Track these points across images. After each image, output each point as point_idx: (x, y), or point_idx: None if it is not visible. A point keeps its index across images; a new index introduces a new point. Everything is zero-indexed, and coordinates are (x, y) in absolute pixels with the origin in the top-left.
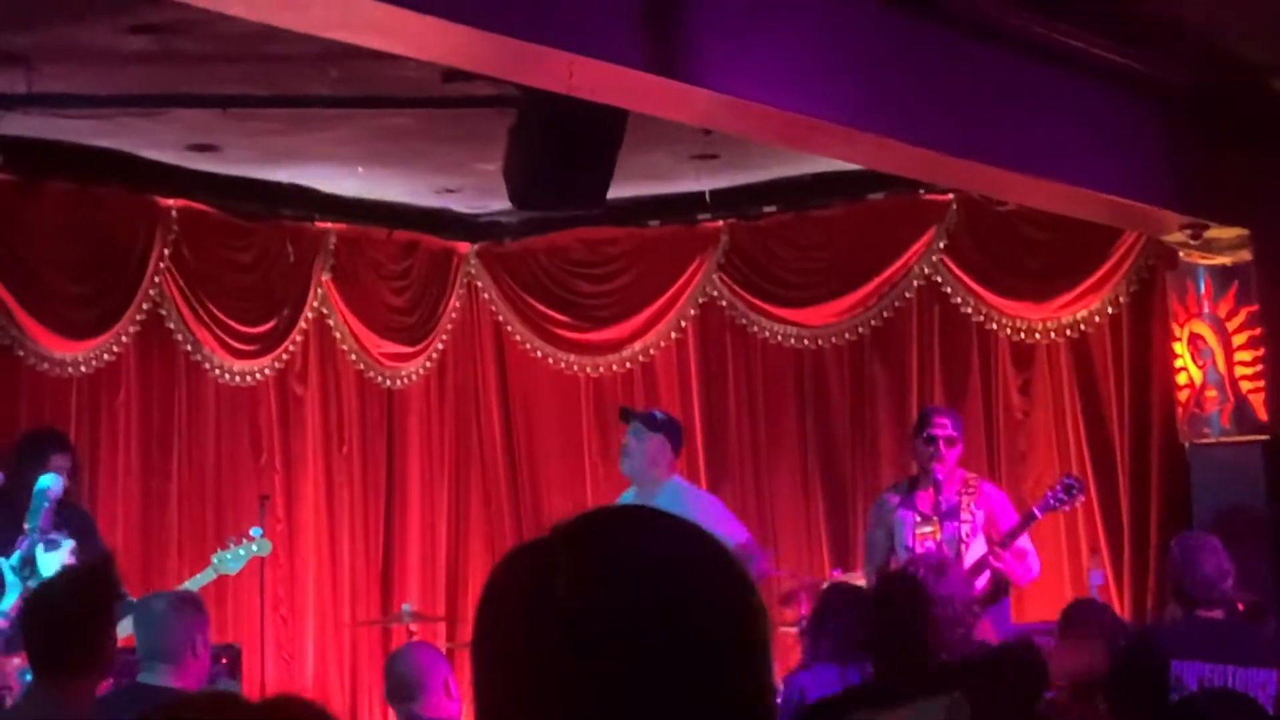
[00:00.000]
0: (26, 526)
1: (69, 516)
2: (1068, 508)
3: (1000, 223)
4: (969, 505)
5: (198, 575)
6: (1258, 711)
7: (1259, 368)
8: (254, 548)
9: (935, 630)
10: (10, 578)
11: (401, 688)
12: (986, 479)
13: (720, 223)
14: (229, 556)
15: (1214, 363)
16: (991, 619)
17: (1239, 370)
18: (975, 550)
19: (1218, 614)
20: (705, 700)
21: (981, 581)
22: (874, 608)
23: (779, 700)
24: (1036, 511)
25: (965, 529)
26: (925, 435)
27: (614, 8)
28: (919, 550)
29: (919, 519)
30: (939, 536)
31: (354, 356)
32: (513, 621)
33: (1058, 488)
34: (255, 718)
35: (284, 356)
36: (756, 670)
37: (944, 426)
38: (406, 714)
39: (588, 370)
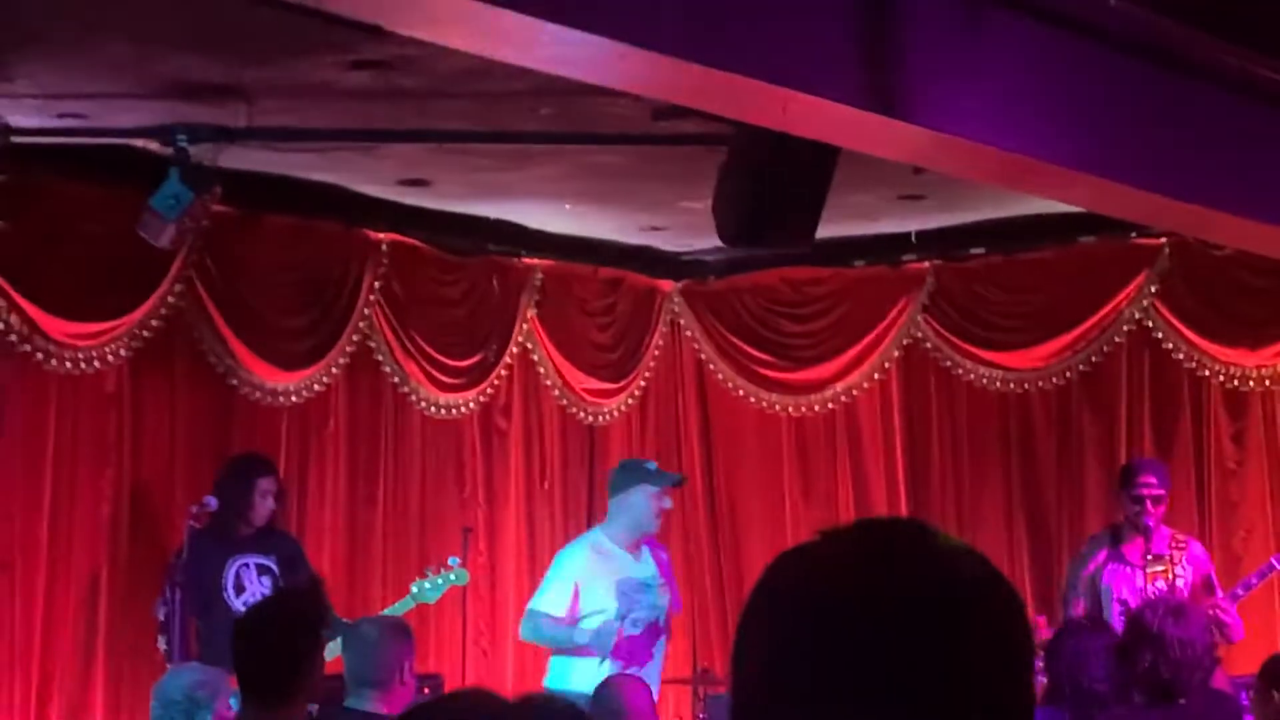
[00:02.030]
0: None
1: (277, 542)
2: None
3: (1215, 267)
4: (1181, 560)
5: (396, 604)
6: None
7: None
8: (452, 577)
9: (1177, 674)
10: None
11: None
12: (1195, 537)
13: (926, 264)
14: (428, 585)
15: None
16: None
17: None
18: None
19: None
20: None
21: None
22: (1118, 655)
23: None
24: (1276, 562)
25: (1179, 582)
26: (1133, 494)
27: (830, 43)
28: (1135, 601)
29: (1128, 569)
30: (1166, 577)
31: (557, 392)
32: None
33: None
34: (510, 713)
35: (489, 390)
36: (1027, 685)
37: (1151, 486)
38: None
39: (790, 410)
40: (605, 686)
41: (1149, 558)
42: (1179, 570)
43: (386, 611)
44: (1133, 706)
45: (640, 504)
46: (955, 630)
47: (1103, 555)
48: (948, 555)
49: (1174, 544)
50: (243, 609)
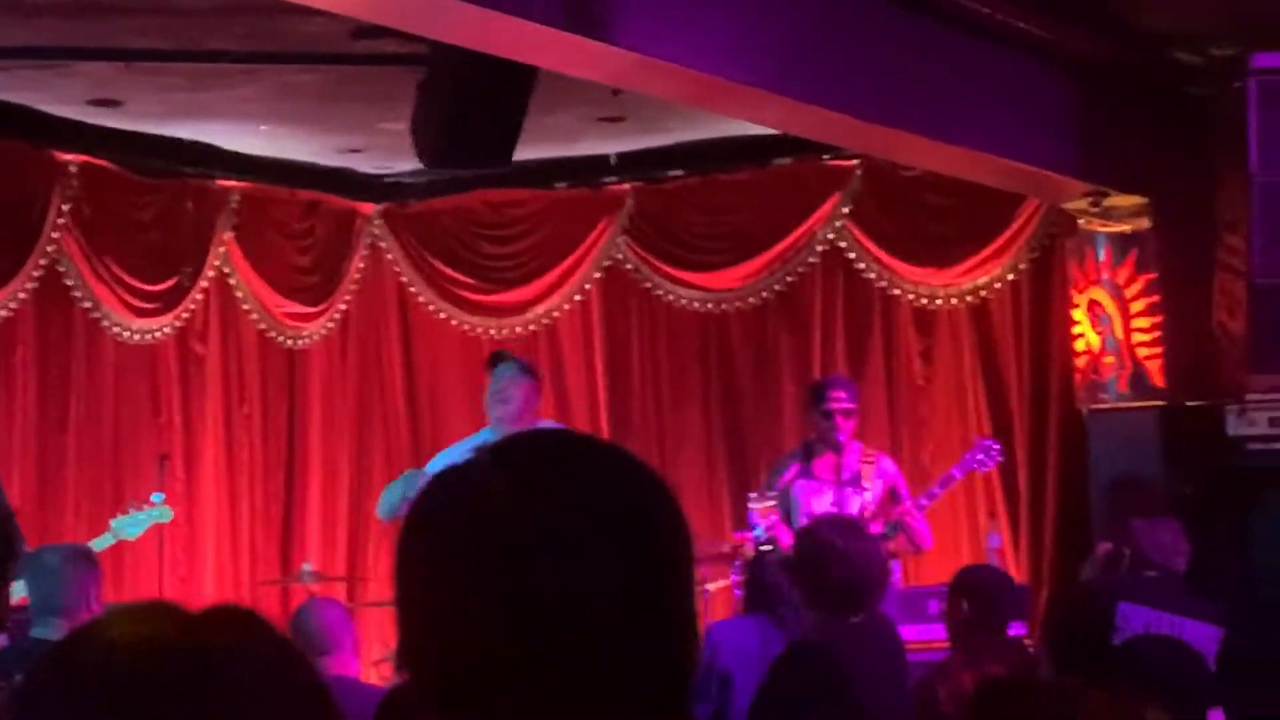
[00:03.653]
0: None
1: None
2: (985, 469)
3: (904, 189)
4: (870, 474)
5: (95, 540)
6: (1200, 664)
7: (1156, 334)
8: (155, 513)
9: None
10: None
11: (310, 644)
12: (885, 452)
13: (626, 186)
14: (129, 522)
15: (1112, 329)
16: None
17: (1136, 337)
18: (874, 519)
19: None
20: (635, 612)
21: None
22: (791, 568)
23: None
24: (956, 472)
25: (867, 496)
26: (822, 409)
27: None
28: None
29: (817, 484)
30: (840, 503)
31: (256, 316)
32: (443, 539)
33: (976, 449)
34: (197, 625)
35: (184, 315)
36: (683, 584)
37: (840, 400)
38: None
39: (491, 332)
40: (301, 610)
41: (840, 473)
42: (867, 484)
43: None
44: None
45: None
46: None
47: (794, 469)
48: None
49: (864, 458)
50: None
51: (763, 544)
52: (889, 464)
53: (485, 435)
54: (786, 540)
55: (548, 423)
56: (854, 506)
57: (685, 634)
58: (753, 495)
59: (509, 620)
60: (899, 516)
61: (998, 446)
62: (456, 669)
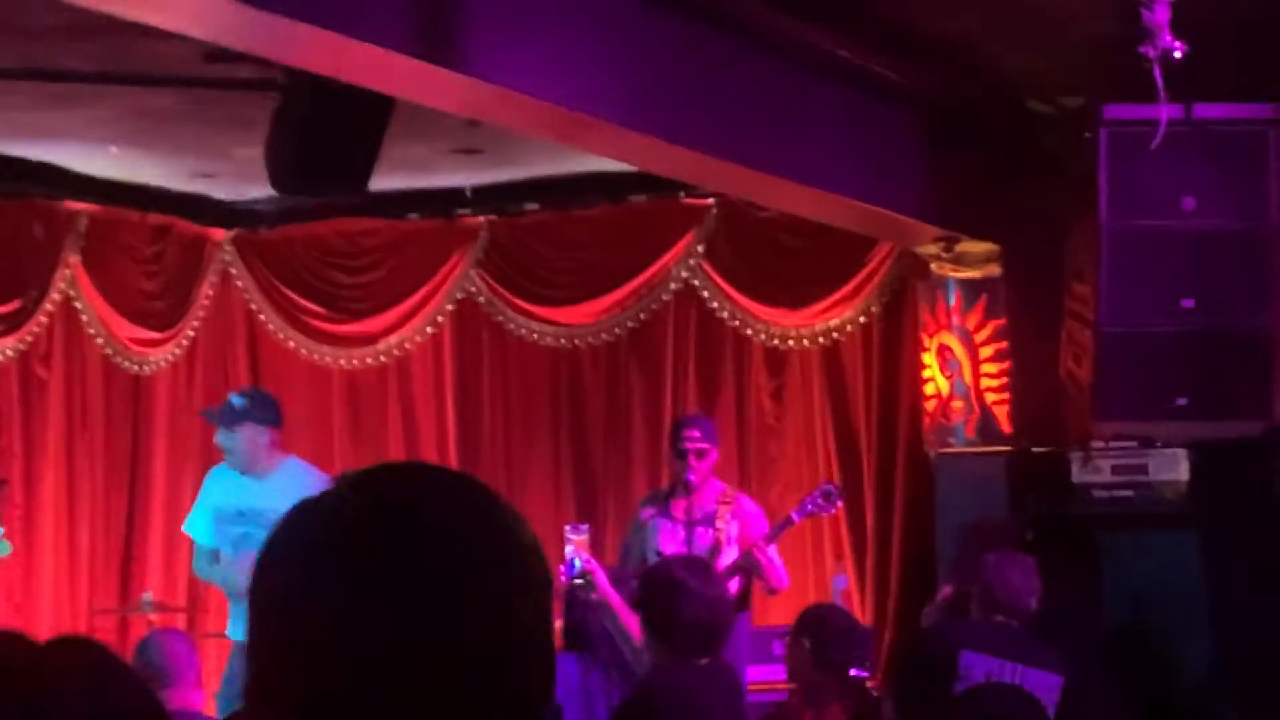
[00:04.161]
0: None
1: None
2: (826, 514)
3: (758, 229)
4: (725, 515)
5: None
6: (1041, 712)
7: (1004, 380)
8: None
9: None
10: None
11: (154, 675)
12: (743, 491)
13: (481, 219)
14: None
15: (961, 374)
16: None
17: (985, 382)
18: (728, 558)
19: (1013, 622)
20: (487, 629)
21: (733, 587)
22: (639, 606)
23: None
24: (794, 516)
25: (720, 536)
26: (677, 448)
27: None
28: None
29: (671, 524)
30: (691, 542)
31: (101, 340)
32: (297, 565)
33: (816, 494)
34: (41, 655)
35: (28, 338)
36: (537, 603)
37: (695, 439)
38: None
39: (341, 363)
40: (146, 641)
41: (691, 512)
42: (720, 524)
43: None
44: (662, 660)
45: None
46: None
47: (652, 511)
48: (446, 489)
49: (722, 498)
50: None
51: (577, 579)
52: (749, 504)
53: (219, 477)
54: (601, 575)
55: (293, 458)
56: (704, 544)
57: (543, 665)
58: (568, 526)
59: (353, 644)
60: (749, 550)
61: (837, 490)
62: (314, 704)
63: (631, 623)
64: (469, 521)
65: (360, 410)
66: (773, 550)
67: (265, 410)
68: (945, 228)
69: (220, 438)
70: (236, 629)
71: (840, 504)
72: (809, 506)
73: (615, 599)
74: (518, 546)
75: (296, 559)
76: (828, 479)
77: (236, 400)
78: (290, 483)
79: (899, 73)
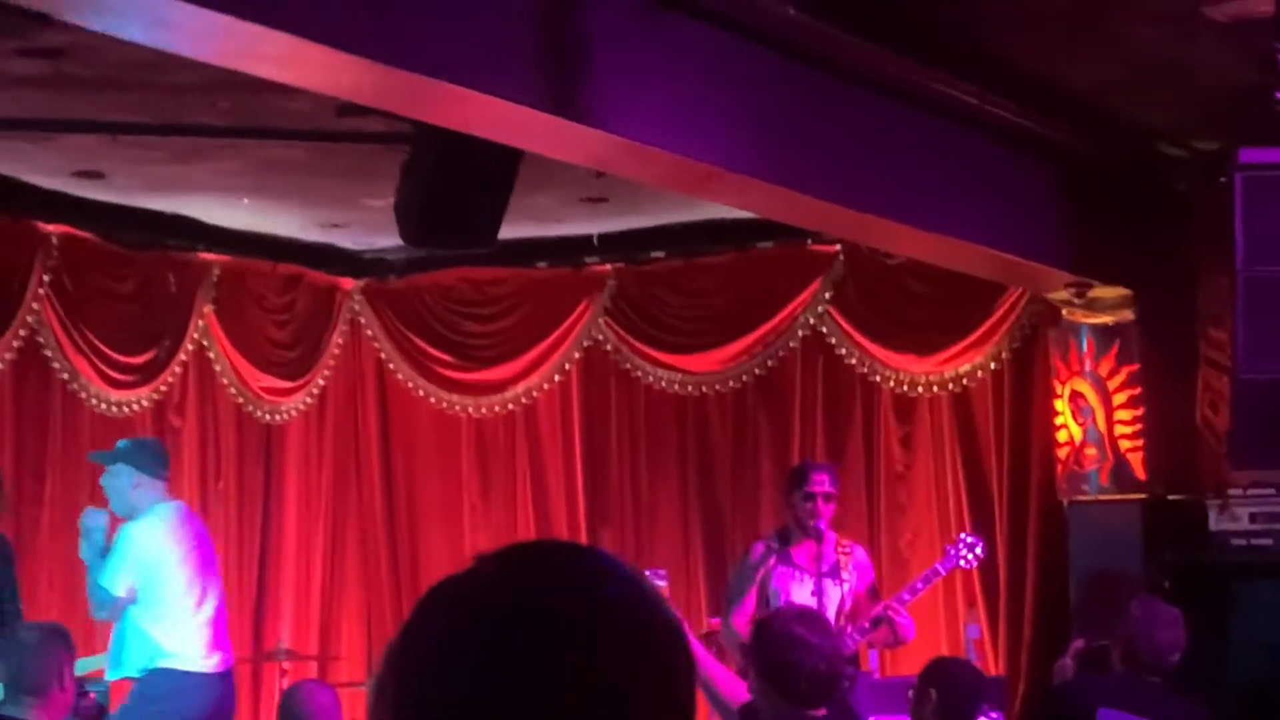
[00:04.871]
0: None
1: None
2: (969, 566)
3: (886, 275)
4: (847, 565)
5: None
6: None
7: (1138, 427)
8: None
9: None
10: None
11: None
12: (859, 542)
13: (608, 266)
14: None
15: (1094, 421)
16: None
17: (1119, 429)
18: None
19: (1155, 679)
20: None
21: (851, 645)
22: (754, 655)
23: None
24: (940, 568)
25: (845, 587)
26: (804, 491)
27: (511, 45)
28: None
29: (796, 572)
30: (822, 594)
31: (233, 390)
32: (428, 658)
33: (959, 545)
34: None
35: (162, 388)
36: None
37: (823, 483)
38: None
39: (470, 411)
40: (293, 690)
41: (820, 562)
42: (845, 575)
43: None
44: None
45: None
46: (599, 651)
47: (772, 559)
48: (598, 576)
49: (840, 549)
50: None
51: None
52: (863, 555)
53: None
54: (684, 627)
55: (176, 504)
56: (834, 598)
57: None
58: (647, 573)
59: None
60: (884, 612)
61: (981, 543)
62: None
63: (717, 674)
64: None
65: (488, 458)
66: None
67: (142, 456)
68: (1077, 273)
69: (104, 480)
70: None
71: (983, 555)
72: (954, 559)
73: (701, 653)
74: (659, 632)
75: (429, 650)
76: (969, 530)
77: (121, 443)
78: (138, 525)
79: (1031, 120)
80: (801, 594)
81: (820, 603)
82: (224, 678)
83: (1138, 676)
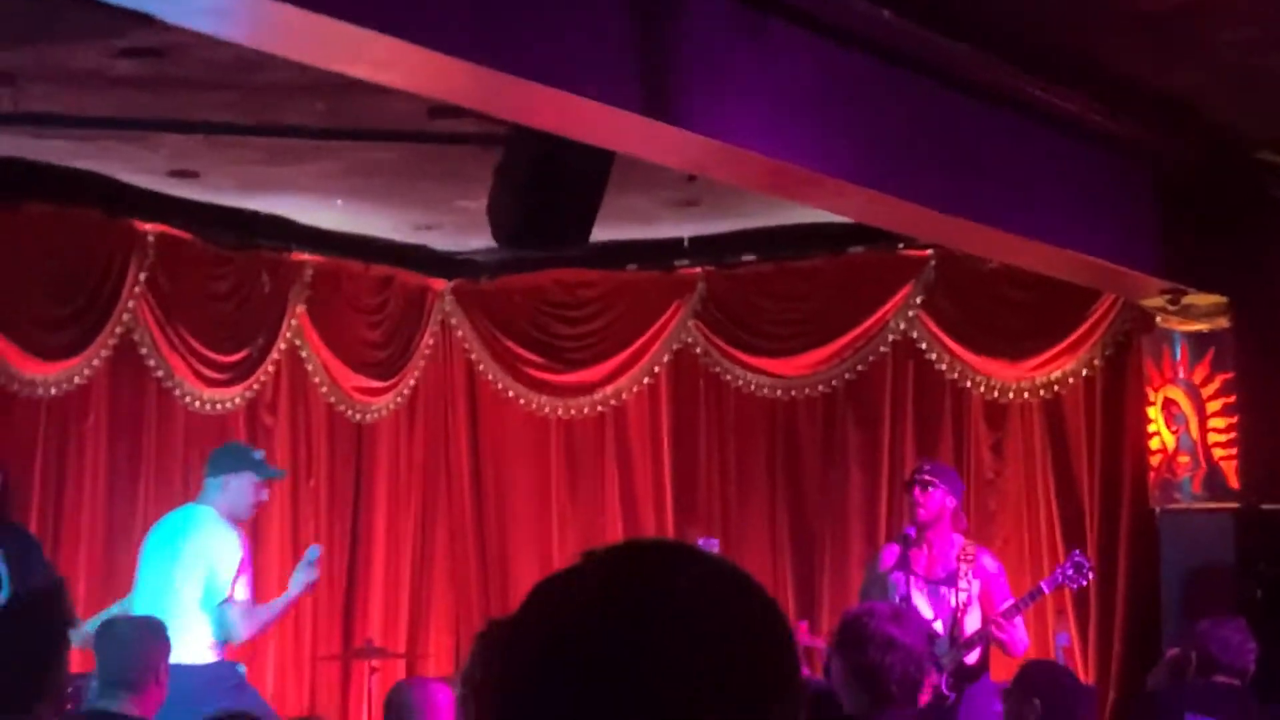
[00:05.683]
0: None
1: (3, 536)
2: (1075, 585)
3: (978, 281)
4: (967, 573)
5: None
6: None
7: (1232, 435)
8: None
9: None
10: None
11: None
12: (986, 548)
13: (698, 269)
14: None
15: (1187, 429)
16: (980, 690)
17: (1212, 437)
18: (972, 620)
19: (1235, 682)
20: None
21: (974, 656)
22: (842, 649)
23: None
24: (1045, 587)
25: (962, 596)
26: (906, 481)
27: (607, 48)
28: (918, 608)
29: (913, 580)
30: (935, 606)
31: (325, 389)
32: (536, 654)
33: (1067, 565)
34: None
35: (255, 386)
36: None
37: (923, 472)
38: None
39: (559, 412)
40: (401, 686)
41: (934, 571)
42: (963, 583)
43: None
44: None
45: (243, 491)
46: (705, 650)
47: (893, 565)
48: (701, 578)
49: (963, 555)
50: None
51: None
52: (990, 560)
53: (211, 513)
54: None
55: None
56: (947, 608)
57: None
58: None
59: None
60: (987, 629)
61: (1090, 564)
62: None
63: None
64: (721, 615)
65: (577, 459)
66: (1017, 620)
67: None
68: (1172, 280)
69: (264, 493)
70: None
71: (1092, 575)
72: (1059, 578)
73: None
74: (774, 643)
75: (536, 647)
76: (1074, 550)
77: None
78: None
79: (1127, 126)
80: (919, 601)
81: (934, 612)
82: None
83: (1219, 681)
